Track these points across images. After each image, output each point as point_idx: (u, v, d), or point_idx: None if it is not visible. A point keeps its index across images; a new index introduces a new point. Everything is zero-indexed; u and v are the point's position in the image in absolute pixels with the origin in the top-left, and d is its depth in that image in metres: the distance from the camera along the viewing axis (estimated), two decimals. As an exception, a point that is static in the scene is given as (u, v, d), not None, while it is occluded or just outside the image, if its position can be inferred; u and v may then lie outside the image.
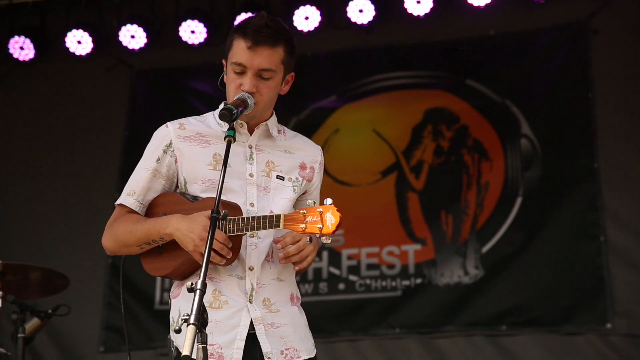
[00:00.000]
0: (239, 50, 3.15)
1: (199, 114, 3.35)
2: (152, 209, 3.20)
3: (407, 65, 7.04)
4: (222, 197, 2.95)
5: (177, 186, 3.23)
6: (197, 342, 2.63)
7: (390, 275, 6.58)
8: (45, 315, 4.83)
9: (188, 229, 2.99)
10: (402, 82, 7.02)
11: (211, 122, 3.27)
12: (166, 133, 3.22)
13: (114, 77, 7.33)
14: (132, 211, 3.20)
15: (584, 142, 6.49)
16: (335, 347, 6.44)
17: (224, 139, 3.00)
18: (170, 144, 3.19)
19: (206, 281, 2.69)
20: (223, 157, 2.98)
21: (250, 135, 3.24)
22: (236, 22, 3.33)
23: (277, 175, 3.22)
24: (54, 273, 4.88)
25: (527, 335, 6.25)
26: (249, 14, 6.76)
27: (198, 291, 2.67)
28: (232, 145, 3.04)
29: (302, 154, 3.32)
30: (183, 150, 3.19)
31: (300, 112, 6.98)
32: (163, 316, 6.53)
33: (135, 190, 3.20)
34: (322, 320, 6.37)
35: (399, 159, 6.85)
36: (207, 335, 2.66)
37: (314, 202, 2.87)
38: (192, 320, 2.62)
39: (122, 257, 3.31)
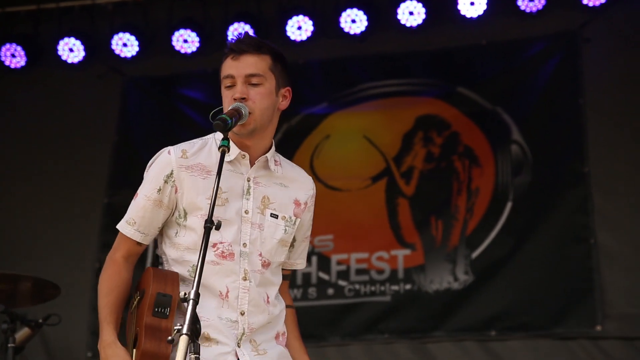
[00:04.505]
0: (226, 66, 3.17)
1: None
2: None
3: (399, 73, 7.05)
4: (222, 229, 2.97)
5: (172, 214, 3.17)
6: (190, 353, 2.64)
7: (380, 280, 6.57)
8: (36, 325, 4.79)
9: None
10: (393, 90, 7.02)
11: (213, 149, 3.20)
12: (168, 161, 3.16)
13: (106, 85, 7.31)
14: (133, 243, 3.18)
15: (574, 147, 6.50)
16: (325, 352, 6.43)
17: (218, 148, 2.98)
18: (172, 173, 3.13)
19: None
20: (223, 187, 3.02)
21: (251, 167, 3.21)
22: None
23: (271, 214, 3.20)
24: (45, 282, 4.80)
25: (517, 340, 6.25)
26: (242, 24, 6.80)
27: (191, 301, 2.68)
28: (231, 176, 3.08)
29: (296, 187, 3.30)
30: (184, 180, 3.13)
31: (291, 118, 6.96)
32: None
33: (136, 219, 3.16)
34: (311, 325, 6.34)
35: (390, 164, 6.85)
36: (199, 345, 2.66)
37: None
38: (184, 330, 2.62)
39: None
